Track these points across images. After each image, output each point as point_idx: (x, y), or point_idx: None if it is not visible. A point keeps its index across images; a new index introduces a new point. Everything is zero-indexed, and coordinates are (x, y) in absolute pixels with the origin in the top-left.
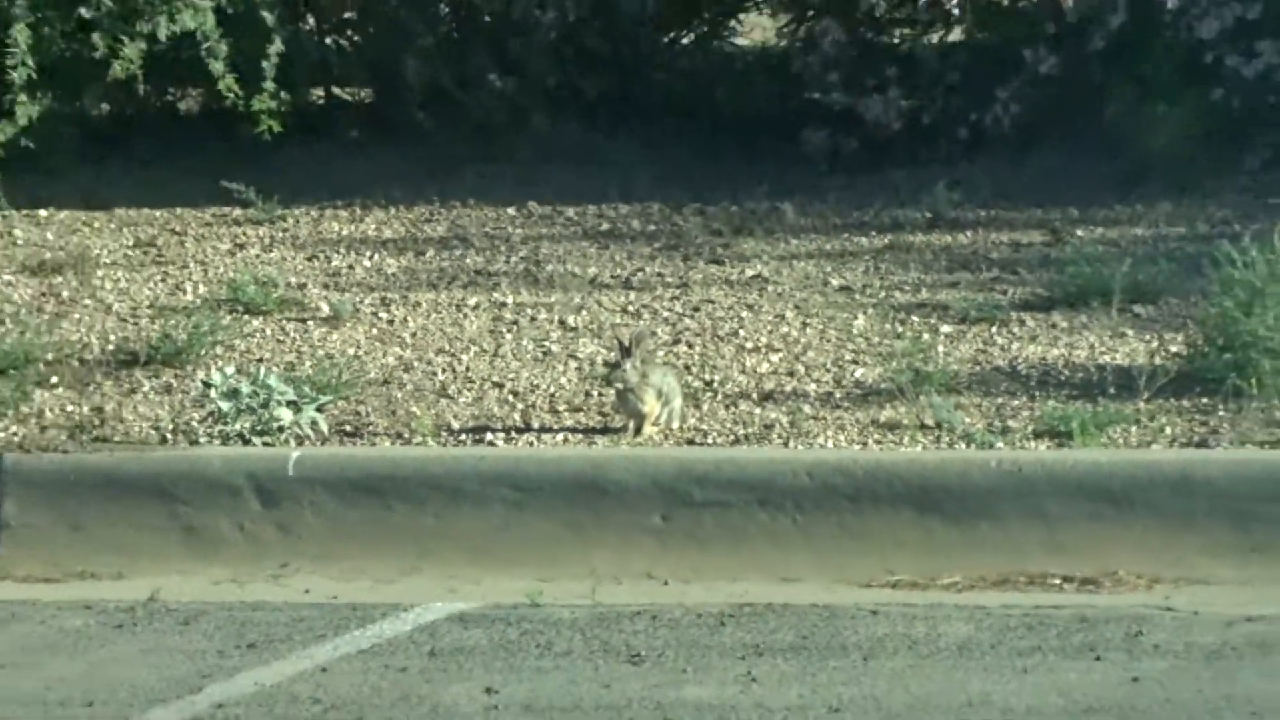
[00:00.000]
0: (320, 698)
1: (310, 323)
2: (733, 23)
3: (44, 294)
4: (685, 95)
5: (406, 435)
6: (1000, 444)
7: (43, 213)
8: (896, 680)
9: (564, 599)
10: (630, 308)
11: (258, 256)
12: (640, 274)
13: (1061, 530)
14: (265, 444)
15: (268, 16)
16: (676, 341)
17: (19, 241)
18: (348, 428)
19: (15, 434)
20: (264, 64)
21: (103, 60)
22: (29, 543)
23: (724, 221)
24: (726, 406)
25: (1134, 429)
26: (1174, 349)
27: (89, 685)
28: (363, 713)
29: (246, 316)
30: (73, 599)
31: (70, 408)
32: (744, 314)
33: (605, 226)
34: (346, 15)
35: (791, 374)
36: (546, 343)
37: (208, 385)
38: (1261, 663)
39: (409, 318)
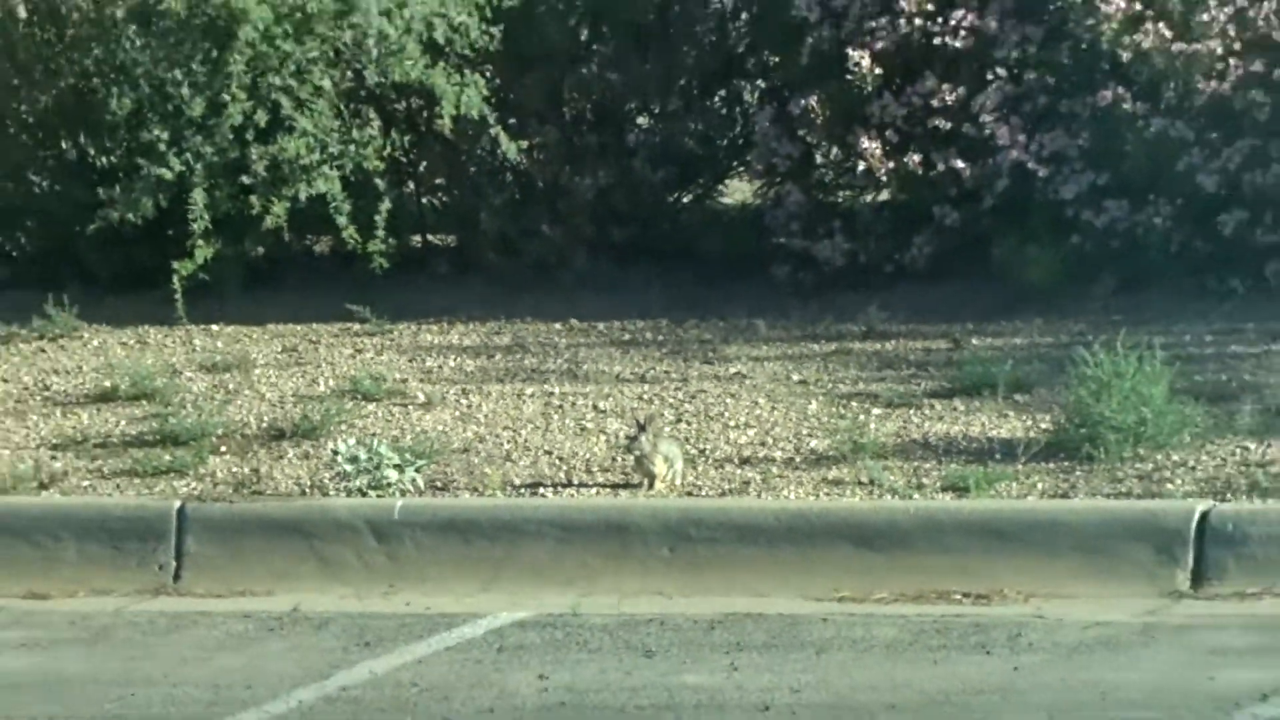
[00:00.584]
0: (417, 682)
1: (410, 407)
2: (720, 187)
3: (215, 386)
4: (685, 240)
5: (481, 489)
6: (917, 495)
7: (214, 327)
8: (841, 670)
9: (597, 610)
10: (644, 396)
11: (371, 359)
12: (652, 371)
13: (962, 559)
14: (378, 496)
15: (379, 183)
16: (678, 420)
17: (196, 348)
18: (437, 484)
19: (194, 489)
20: (376, 218)
21: (259, 215)
22: (204, 569)
23: (713, 333)
24: (715, 468)
25: (1014, 485)
26: (1044, 426)
27: (248, 673)
28: (448, 693)
29: (364, 403)
30: (235, 610)
31: (234, 469)
32: (728, 400)
33: (626, 337)
34: (437, 181)
35: (763, 444)
36: (583, 421)
37: (335, 453)
38: (1107, 656)
39: (482, 403)
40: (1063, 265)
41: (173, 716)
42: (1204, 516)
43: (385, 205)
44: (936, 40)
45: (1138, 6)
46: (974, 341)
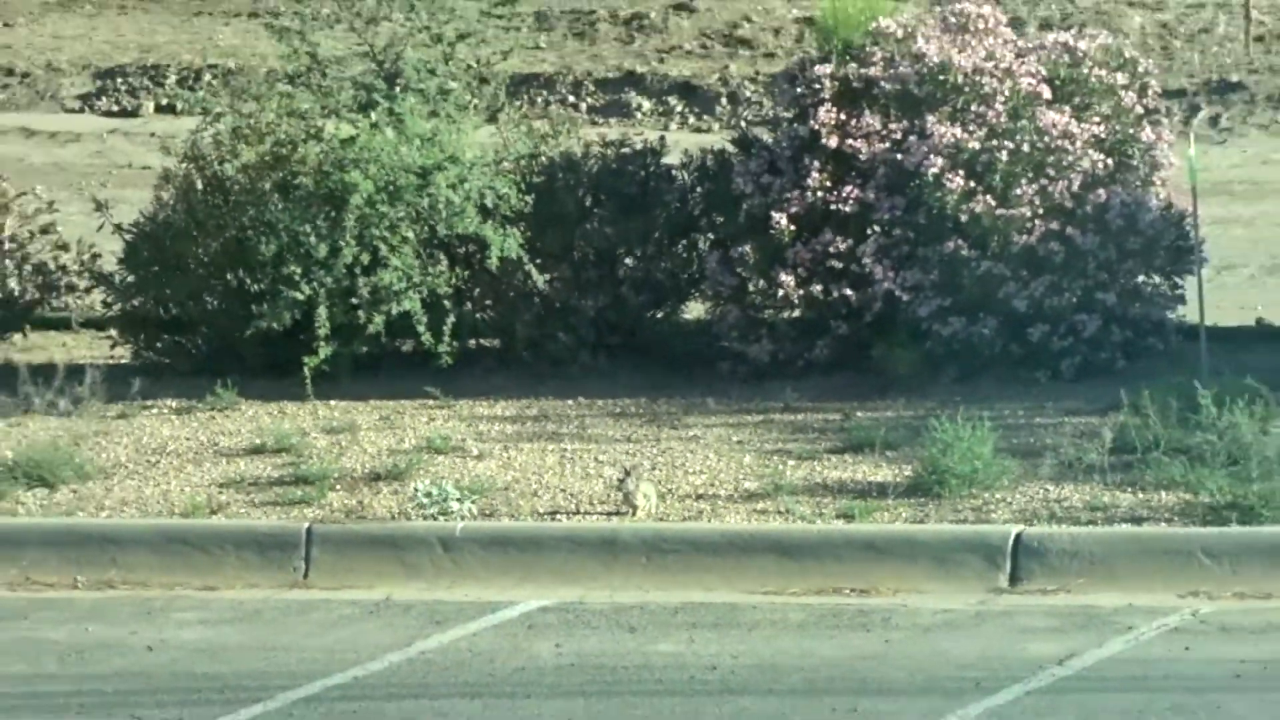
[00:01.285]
0: (471, 649)
1: (467, 458)
2: (682, 307)
3: (332, 444)
4: (658, 344)
5: (516, 515)
6: (819, 521)
7: (332, 402)
8: (766, 641)
9: (596, 600)
10: (629, 452)
11: (440, 425)
12: (635, 434)
13: (850, 566)
14: (445, 520)
15: (446, 304)
16: (653, 468)
17: (320, 417)
18: (486, 512)
19: (318, 514)
20: (444, 328)
21: (363, 325)
22: (325, 570)
23: (677, 408)
24: (679, 502)
25: (886, 514)
26: (906, 474)
27: (354, 642)
28: (493, 656)
29: (435, 455)
30: (346, 599)
31: (346, 501)
32: (687, 454)
33: (617, 410)
34: (486, 302)
35: (712, 485)
36: (587, 469)
37: (416, 490)
38: (951, 633)
39: (517, 456)
40: (920, 362)
41: (302, 670)
42: (1018, 537)
43: (450, 319)
44: (833, 206)
45: (971, 184)
46: (858, 415)
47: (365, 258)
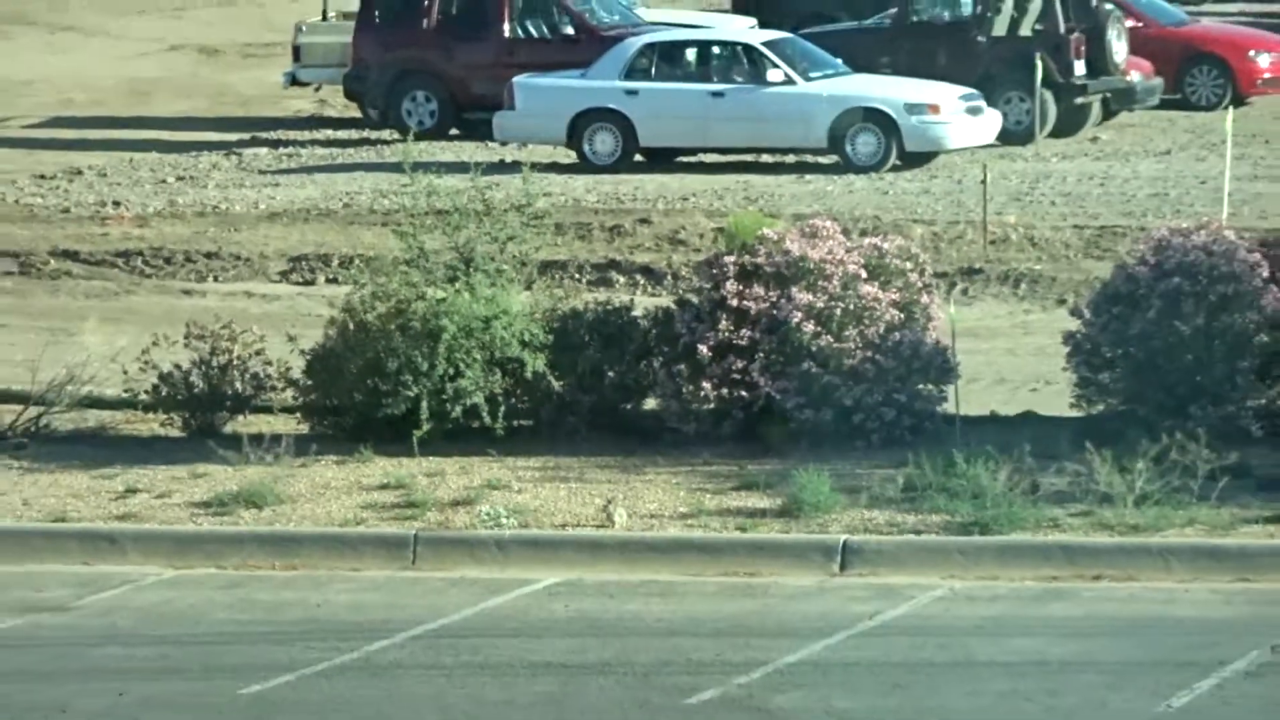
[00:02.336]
0: (513, 606)
1: (510, 493)
2: (643, 401)
3: (432, 483)
4: (629, 424)
5: (542, 527)
6: (725, 531)
7: (429, 458)
8: (693, 604)
9: (590, 579)
10: (610, 489)
11: (495, 473)
12: (613, 479)
13: (744, 559)
14: (498, 530)
15: (500, 399)
16: (625, 499)
17: (421, 467)
18: (523, 524)
19: (421, 525)
20: (498, 414)
21: (448, 412)
22: (425, 559)
23: (640, 464)
24: (640, 519)
25: (765, 527)
26: (779, 503)
27: (441, 603)
28: (527, 610)
29: (491, 491)
30: (439, 578)
31: (438, 519)
32: (646, 492)
33: (603, 465)
34: (524, 398)
35: (661, 510)
36: (585, 499)
37: (481, 511)
38: (803, 600)
39: (542, 491)
40: (786, 436)
41: (411, 618)
42: (846, 542)
43: (502, 409)
44: (735, 342)
45: (818, 328)
46: (749, 468)
47: (450, 371)
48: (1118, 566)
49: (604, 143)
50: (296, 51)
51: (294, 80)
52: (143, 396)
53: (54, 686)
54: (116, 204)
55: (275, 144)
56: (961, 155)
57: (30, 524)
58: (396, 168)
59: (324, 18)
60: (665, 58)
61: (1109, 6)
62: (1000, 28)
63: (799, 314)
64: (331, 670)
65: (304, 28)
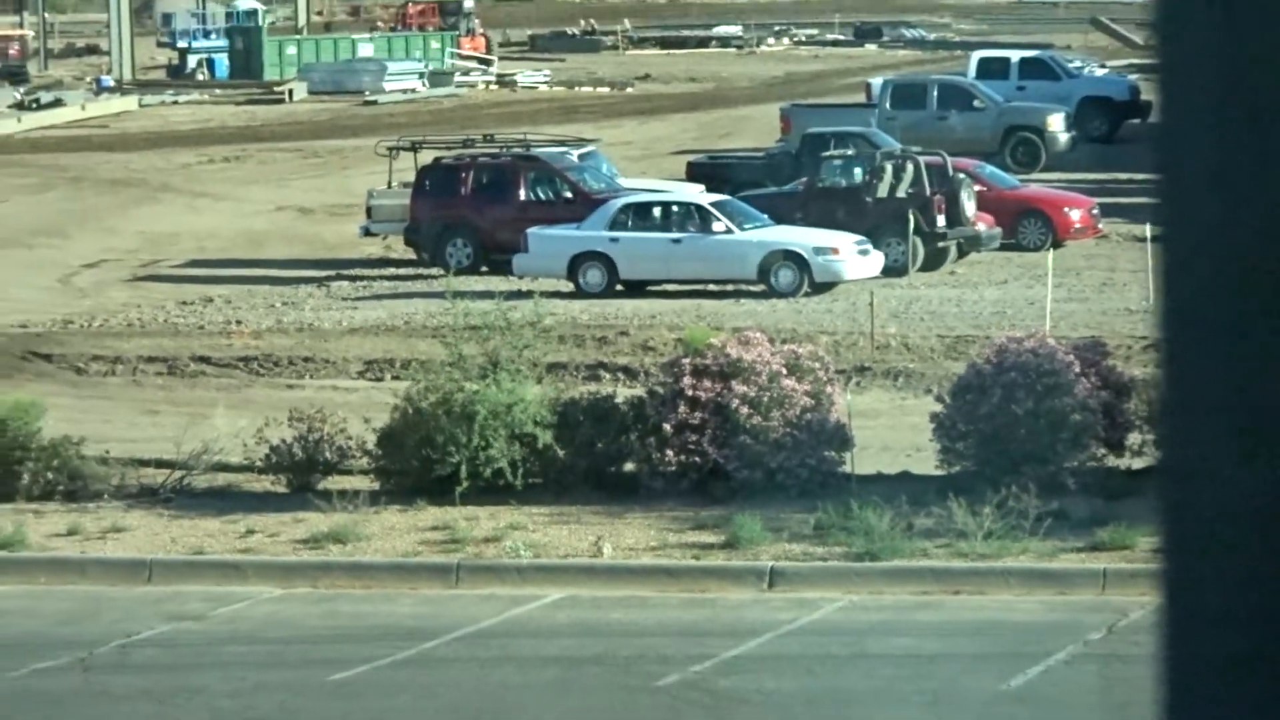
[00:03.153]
0: (528, 615)
1: (530, 532)
2: (624, 465)
3: (467, 525)
4: (613, 482)
5: (549, 556)
6: (685, 559)
7: (467, 507)
8: (661, 614)
9: (585, 595)
10: (599, 529)
11: (516, 517)
12: (601, 522)
13: (697, 580)
14: (518, 559)
15: (519, 464)
16: (610, 536)
17: (462, 514)
18: (537, 555)
19: (462, 556)
20: (518, 474)
21: (483, 473)
22: (466, 580)
23: (621, 510)
24: (622, 551)
25: (714, 557)
26: (723, 538)
27: (476, 610)
28: (538, 618)
29: (513, 531)
30: (474, 593)
31: (475, 551)
32: (626, 531)
33: (594, 511)
34: (536, 463)
35: (637, 544)
36: (581, 535)
37: (506, 545)
38: (738, 610)
39: (550, 530)
40: (730, 490)
41: (453, 624)
42: (773, 567)
43: (520, 471)
44: (690, 421)
45: (751, 412)
46: (702, 514)
47: (482, 443)
48: (971, 585)
49: (594, 276)
50: (369, 211)
51: (367, 232)
52: (258, 463)
53: (194, 675)
54: (238, 322)
55: (354, 279)
56: (855, 285)
57: (176, 555)
58: (441, 295)
59: (389, 185)
60: (639, 214)
61: (962, 176)
62: (883, 191)
63: (737, 400)
64: (396, 663)
65: (374, 193)
